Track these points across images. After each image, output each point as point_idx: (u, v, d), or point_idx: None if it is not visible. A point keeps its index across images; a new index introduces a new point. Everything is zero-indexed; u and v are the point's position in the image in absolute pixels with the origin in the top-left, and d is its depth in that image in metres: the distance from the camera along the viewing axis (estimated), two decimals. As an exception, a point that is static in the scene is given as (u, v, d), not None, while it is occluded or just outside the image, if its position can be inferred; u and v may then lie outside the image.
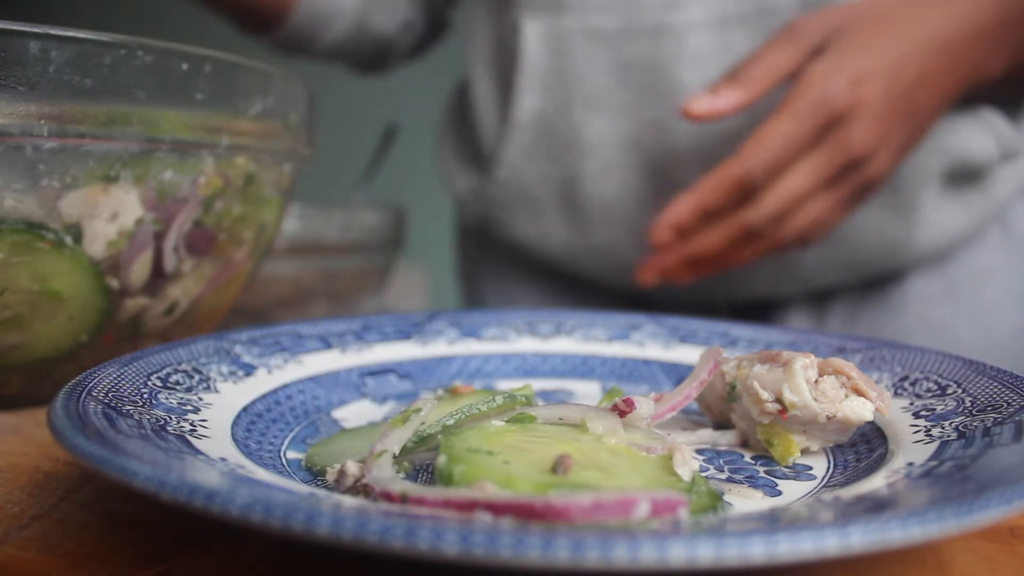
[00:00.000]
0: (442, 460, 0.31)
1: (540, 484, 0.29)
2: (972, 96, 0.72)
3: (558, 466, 0.30)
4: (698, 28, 0.74)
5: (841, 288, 0.84)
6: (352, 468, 0.34)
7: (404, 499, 0.29)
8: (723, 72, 0.72)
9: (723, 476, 0.37)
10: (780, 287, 0.82)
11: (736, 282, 0.82)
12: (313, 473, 0.37)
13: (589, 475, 0.31)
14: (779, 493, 0.35)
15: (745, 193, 0.64)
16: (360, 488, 0.34)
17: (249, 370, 0.45)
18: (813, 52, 0.65)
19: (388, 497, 0.30)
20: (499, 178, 0.85)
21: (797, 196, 0.64)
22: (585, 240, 0.84)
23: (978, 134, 0.75)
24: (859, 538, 0.23)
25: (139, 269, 0.48)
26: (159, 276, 0.49)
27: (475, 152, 0.91)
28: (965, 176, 0.78)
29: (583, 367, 0.54)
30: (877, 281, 0.83)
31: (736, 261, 0.68)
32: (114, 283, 0.47)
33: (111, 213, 0.45)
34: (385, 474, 0.32)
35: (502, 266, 0.96)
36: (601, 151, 0.79)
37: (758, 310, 0.86)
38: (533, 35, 0.79)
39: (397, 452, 0.34)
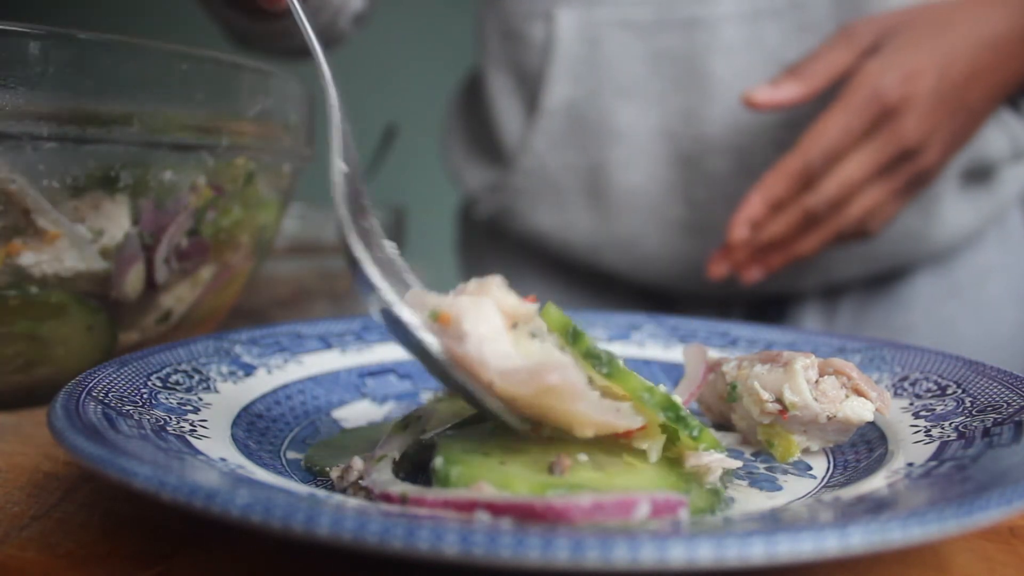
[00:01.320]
0: (438, 462, 0.31)
1: (537, 484, 0.29)
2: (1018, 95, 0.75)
3: (554, 466, 0.30)
4: (730, 21, 0.76)
5: (854, 283, 0.85)
6: (358, 464, 0.34)
7: (404, 500, 0.29)
8: (756, 62, 0.76)
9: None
10: (798, 281, 0.83)
11: None
12: (313, 473, 0.37)
13: (586, 475, 0.31)
14: (780, 489, 0.35)
15: (806, 182, 0.68)
16: (362, 487, 0.34)
17: (249, 370, 0.45)
18: (867, 52, 0.68)
19: (388, 498, 0.30)
20: (523, 168, 0.86)
21: (853, 182, 0.67)
22: (608, 229, 0.85)
23: (995, 132, 0.78)
24: (859, 538, 0.23)
25: (133, 281, 0.48)
26: (152, 287, 0.49)
27: (491, 145, 0.92)
28: (979, 174, 0.80)
29: (583, 367, 0.53)
30: (888, 277, 0.85)
31: (802, 250, 0.71)
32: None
33: (96, 231, 0.45)
34: (384, 476, 0.32)
35: (514, 262, 0.96)
36: (630, 140, 0.81)
37: (773, 305, 0.87)
38: (566, 24, 0.80)
39: (397, 457, 0.34)
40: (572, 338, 0.32)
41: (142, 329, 0.51)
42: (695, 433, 0.32)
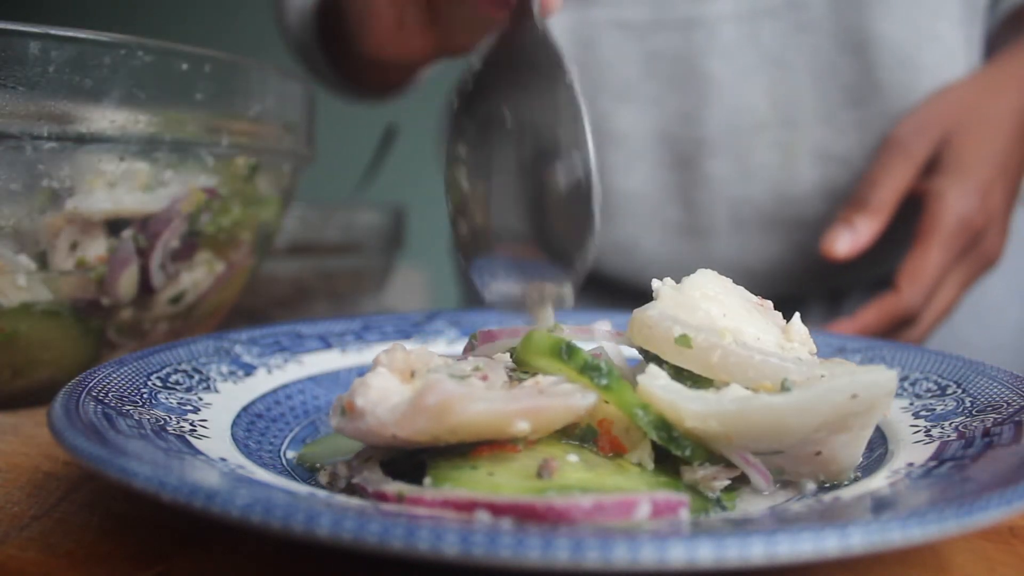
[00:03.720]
0: (427, 482, 0.30)
1: (528, 490, 0.29)
2: None
3: (543, 470, 0.30)
4: (728, 20, 0.76)
5: (857, 285, 0.85)
6: (343, 471, 0.34)
7: (400, 499, 0.29)
8: (754, 63, 0.74)
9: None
10: (802, 284, 0.83)
11: (758, 279, 0.82)
12: (308, 471, 0.37)
13: (577, 475, 0.30)
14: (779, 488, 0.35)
15: (905, 321, 0.68)
16: (352, 488, 0.34)
17: (249, 370, 0.45)
18: (928, 165, 0.68)
19: (382, 497, 0.30)
20: None
21: (948, 309, 0.69)
22: (606, 234, 0.84)
23: None
24: (859, 538, 0.23)
25: (126, 283, 0.48)
26: (148, 291, 0.49)
27: None
28: None
29: (583, 367, 0.53)
30: (891, 279, 0.84)
31: None
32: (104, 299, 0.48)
33: (71, 243, 0.45)
34: (376, 475, 0.32)
35: None
36: (627, 143, 0.80)
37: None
38: (559, 26, 0.80)
39: (384, 458, 0.34)
40: (567, 354, 0.32)
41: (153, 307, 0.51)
42: (687, 453, 0.32)
